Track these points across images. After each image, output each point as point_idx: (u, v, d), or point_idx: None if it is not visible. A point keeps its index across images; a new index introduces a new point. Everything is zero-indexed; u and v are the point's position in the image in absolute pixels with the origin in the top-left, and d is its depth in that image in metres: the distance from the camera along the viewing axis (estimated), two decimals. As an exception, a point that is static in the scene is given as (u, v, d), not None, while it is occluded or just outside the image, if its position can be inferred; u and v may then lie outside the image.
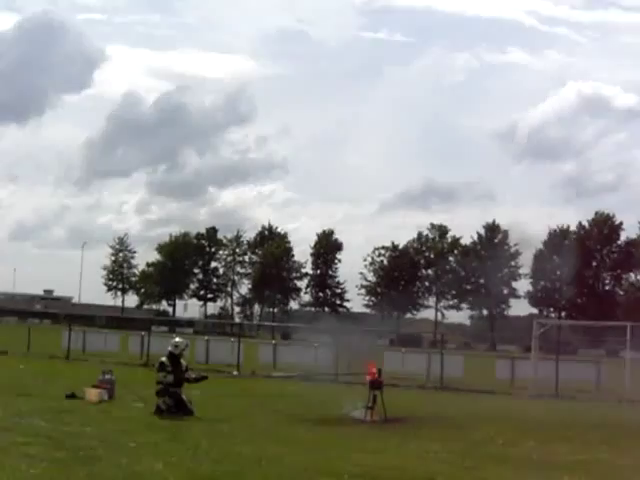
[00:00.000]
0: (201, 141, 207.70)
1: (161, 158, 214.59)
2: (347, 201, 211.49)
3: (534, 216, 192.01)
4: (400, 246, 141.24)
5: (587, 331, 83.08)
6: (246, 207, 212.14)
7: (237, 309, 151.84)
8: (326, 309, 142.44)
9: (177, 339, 19.18)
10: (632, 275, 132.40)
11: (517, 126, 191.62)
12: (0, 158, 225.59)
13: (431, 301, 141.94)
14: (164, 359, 18.27)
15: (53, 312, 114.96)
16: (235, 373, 32.26)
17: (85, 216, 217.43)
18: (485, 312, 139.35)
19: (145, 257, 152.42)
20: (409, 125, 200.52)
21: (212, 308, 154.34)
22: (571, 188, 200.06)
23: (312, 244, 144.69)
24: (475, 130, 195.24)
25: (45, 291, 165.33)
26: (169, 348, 18.57)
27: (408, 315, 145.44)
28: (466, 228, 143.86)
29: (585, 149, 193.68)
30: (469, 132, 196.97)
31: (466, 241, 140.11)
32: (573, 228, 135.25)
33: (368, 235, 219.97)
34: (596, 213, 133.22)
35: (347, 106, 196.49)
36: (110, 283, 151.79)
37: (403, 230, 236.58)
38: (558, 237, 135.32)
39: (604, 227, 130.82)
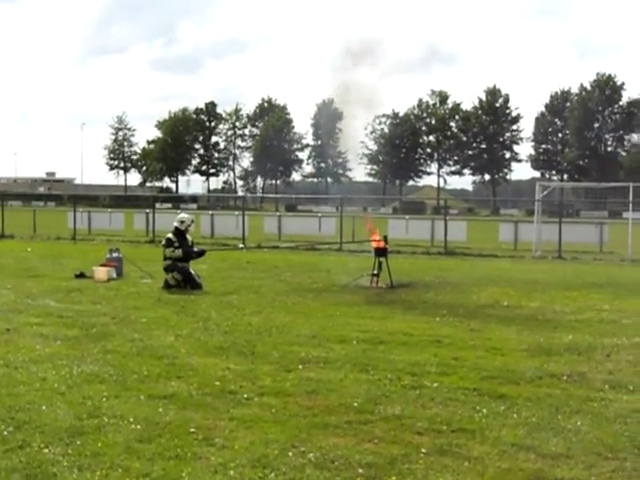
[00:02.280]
0: (198, 14, 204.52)
1: (159, 33, 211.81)
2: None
3: (536, 78, 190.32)
4: (401, 113, 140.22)
5: (589, 193, 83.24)
6: (245, 79, 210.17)
7: (240, 183, 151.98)
8: (328, 179, 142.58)
9: (183, 215, 19.23)
10: (634, 136, 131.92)
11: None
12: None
13: (433, 168, 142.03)
14: (170, 235, 18.39)
15: (57, 194, 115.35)
16: (241, 246, 32.44)
17: (83, 96, 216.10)
18: (487, 177, 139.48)
19: (146, 134, 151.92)
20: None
21: (215, 183, 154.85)
22: (574, 49, 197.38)
23: (312, 115, 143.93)
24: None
25: (47, 173, 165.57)
26: (175, 224, 18.65)
27: (410, 183, 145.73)
28: (468, 92, 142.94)
29: (589, 7, 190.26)
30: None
31: (467, 106, 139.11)
32: (575, 90, 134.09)
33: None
34: (597, 74, 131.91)
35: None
36: (112, 162, 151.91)
37: (405, 97, 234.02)
38: (559, 99, 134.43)
39: (606, 88, 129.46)
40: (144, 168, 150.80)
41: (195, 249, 18.88)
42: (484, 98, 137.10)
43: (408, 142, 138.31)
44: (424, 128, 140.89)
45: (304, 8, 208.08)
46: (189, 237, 18.79)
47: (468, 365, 9.83)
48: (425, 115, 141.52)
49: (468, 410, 7.83)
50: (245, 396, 8.24)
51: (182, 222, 18.54)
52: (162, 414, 7.54)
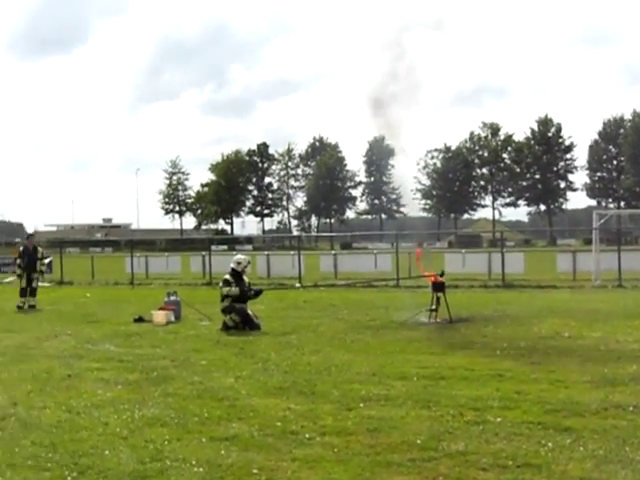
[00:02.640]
0: (248, 56, 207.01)
1: (209, 77, 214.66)
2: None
3: (588, 106, 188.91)
4: (453, 147, 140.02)
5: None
6: (297, 119, 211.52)
7: (294, 222, 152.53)
8: (383, 216, 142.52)
9: (239, 256, 19.33)
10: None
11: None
12: (49, 91, 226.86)
13: (487, 200, 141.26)
14: (227, 276, 18.46)
15: (114, 239, 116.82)
16: (297, 285, 32.50)
17: (137, 142, 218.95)
18: (543, 207, 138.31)
19: (200, 178, 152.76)
20: (455, 20, 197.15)
21: (269, 223, 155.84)
22: (625, 75, 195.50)
23: (364, 152, 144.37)
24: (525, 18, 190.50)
25: (104, 219, 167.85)
26: (231, 265, 18.73)
27: (465, 216, 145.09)
28: (520, 124, 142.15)
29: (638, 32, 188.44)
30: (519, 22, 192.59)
31: (519, 137, 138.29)
32: (628, 116, 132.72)
33: (422, 137, 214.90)
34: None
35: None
36: (167, 207, 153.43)
37: (456, 130, 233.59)
38: (613, 126, 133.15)
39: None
40: (199, 211, 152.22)
41: (253, 290, 18.93)
42: (536, 128, 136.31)
43: (461, 175, 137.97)
44: (477, 161, 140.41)
45: (351, 47, 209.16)
46: (246, 278, 18.84)
47: (531, 398, 9.69)
48: (477, 148, 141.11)
49: (533, 444, 7.71)
50: (307, 436, 8.20)
51: (239, 263, 18.61)
52: (224, 456, 7.52)
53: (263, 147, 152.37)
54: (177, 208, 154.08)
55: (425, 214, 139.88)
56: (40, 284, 26.46)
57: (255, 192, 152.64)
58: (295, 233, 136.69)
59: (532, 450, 7.52)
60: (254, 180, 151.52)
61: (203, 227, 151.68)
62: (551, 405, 9.31)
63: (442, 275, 19.57)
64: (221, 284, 18.68)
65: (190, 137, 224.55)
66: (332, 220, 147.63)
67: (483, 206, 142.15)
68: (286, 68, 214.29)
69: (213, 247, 54.08)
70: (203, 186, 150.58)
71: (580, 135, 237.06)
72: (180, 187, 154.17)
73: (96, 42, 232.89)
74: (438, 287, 18.88)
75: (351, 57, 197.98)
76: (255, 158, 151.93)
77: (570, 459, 7.22)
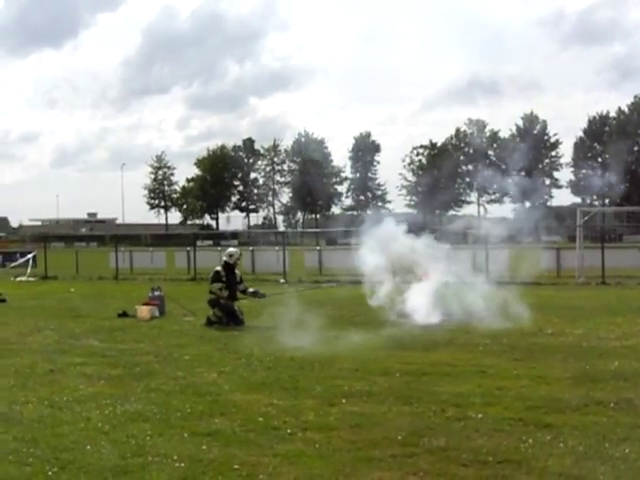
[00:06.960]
0: (240, 51, 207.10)
1: (200, 71, 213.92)
2: (388, 101, 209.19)
3: (579, 104, 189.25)
4: (438, 144, 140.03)
5: (631, 217, 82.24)
6: (287, 115, 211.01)
7: (280, 218, 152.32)
8: (368, 212, 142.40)
9: (231, 249, 19.36)
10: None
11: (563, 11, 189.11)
12: (38, 84, 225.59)
13: (473, 197, 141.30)
14: (219, 268, 18.43)
15: (99, 234, 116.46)
16: (282, 281, 32.50)
17: (125, 136, 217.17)
18: (528, 204, 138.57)
19: (186, 173, 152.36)
20: (449, 18, 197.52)
21: (255, 219, 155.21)
22: (617, 72, 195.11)
23: (350, 147, 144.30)
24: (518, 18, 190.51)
25: (89, 214, 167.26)
26: (224, 258, 18.76)
27: (451, 212, 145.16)
28: (506, 120, 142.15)
29: (634, 31, 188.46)
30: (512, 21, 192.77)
31: (505, 134, 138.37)
32: (613, 114, 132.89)
33: (409, 134, 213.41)
34: (635, 97, 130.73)
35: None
36: (152, 201, 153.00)
37: (445, 127, 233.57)
38: (598, 124, 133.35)
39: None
40: (184, 206, 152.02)
41: (251, 289, 18.90)
42: (522, 125, 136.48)
43: (447, 172, 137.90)
44: (462, 158, 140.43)
45: (343, 43, 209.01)
46: (238, 272, 18.79)
47: (512, 395, 9.74)
48: (463, 145, 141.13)
49: (514, 440, 7.75)
50: (289, 431, 8.22)
51: (231, 256, 18.60)
52: (206, 451, 7.54)
53: (249, 142, 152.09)
54: (162, 203, 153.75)
55: (410, 210, 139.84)
56: (25, 279, 26.39)
57: (241, 187, 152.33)
58: (281, 228, 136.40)
59: (512, 446, 7.56)
60: (240, 175, 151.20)
61: (188, 222, 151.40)
62: (532, 401, 9.35)
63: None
64: (211, 275, 18.61)
65: (178, 131, 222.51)
66: (318, 216, 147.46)
67: (468, 202, 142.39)
68: (278, 63, 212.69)
69: (198, 242, 54.04)
70: (189, 181, 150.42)
71: (565, 132, 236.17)
72: (165, 182, 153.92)
73: (86, 36, 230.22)
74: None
75: (342, 53, 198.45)
76: (241, 153, 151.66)
77: (550, 455, 7.26)
